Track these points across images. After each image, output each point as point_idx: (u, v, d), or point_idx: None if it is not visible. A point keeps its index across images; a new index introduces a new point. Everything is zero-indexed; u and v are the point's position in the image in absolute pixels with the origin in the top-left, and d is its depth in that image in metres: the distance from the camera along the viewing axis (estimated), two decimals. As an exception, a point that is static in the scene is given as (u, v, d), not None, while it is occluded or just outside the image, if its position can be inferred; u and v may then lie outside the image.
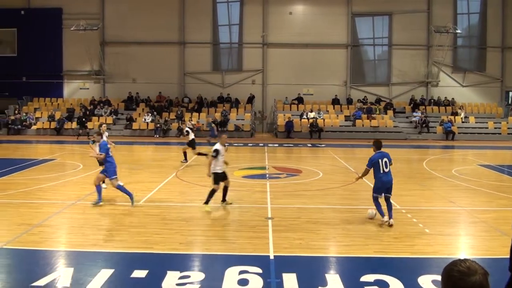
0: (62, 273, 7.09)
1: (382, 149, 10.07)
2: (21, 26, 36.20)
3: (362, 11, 35.76)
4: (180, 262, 7.68)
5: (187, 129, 19.48)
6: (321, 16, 35.45)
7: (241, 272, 7.05)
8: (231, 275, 6.98)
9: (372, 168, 9.86)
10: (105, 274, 7.01)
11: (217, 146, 11.22)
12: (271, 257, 7.81)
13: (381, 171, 9.76)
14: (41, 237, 9.00)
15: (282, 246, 8.34)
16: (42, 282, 6.72)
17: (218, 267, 7.34)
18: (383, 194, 9.89)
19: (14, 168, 17.13)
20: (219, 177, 11.12)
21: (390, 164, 9.93)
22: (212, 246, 8.49)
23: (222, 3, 36.19)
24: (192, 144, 18.95)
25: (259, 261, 7.54)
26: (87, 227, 9.59)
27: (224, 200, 11.51)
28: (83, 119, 31.73)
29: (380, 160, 9.75)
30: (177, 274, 7.01)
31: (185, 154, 19.20)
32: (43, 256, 8.04)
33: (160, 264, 7.53)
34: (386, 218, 9.70)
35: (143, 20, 35.02)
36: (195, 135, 19.61)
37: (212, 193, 11.05)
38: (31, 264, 7.65)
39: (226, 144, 11.76)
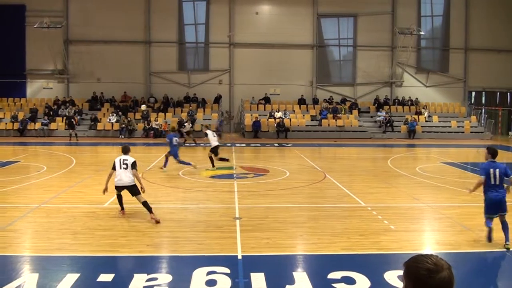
0: (27, 279, 6.95)
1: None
2: (-19, 23, 35.01)
3: (327, 12, 36.08)
4: (147, 265, 7.59)
5: (206, 132, 18.03)
6: (287, 17, 35.63)
7: (209, 273, 7.04)
8: (199, 276, 6.96)
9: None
10: (71, 278, 6.90)
11: None
12: (239, 257, 7.83)
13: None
14: (5, 242, 8.77)
15: (249, 246, 8.36)
16: (5, 289, 6.56)
17: (186, 269, 7.31)
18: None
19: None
20: None
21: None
22: (179, 247, 8.45)
23: (187, 2, 35.89)
24: (215, 150, 17.54)
25: (227, 261, 7.55)
26: (52, 231, 9.38)
27: None
28: (71, 120, 30.73)
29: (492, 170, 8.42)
30: (144, 276, 6.95)
31: (211, 159, 17.59)
32: (7, 261, 7.85)
33: (127, 267, 7.47)
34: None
35: (108, 18, 34.42)
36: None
37: None
38: (-7, 270, 7.45)
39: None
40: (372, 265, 7.62)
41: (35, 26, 32.79)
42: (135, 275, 6.99)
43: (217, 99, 35.32)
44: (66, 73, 35.47)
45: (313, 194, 13.41)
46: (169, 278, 6.96)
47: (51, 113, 32.92)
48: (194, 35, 36.32)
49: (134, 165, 10.55)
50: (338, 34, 36.79)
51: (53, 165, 18.38)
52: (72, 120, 30.34)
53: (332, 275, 6.99)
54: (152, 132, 31.09)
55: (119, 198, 10.72)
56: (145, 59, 35.59)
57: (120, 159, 10.69)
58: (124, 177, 10.48)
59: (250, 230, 9.37)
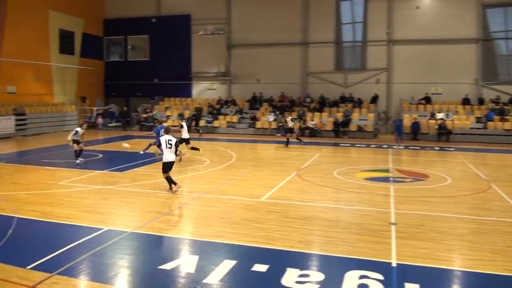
0: (187, 260, 7.58)
1: None
2: (152, 33, 39.42)
3: (494, 2, 32.72)
4: (299, 260, 7.72)
5: (182, 123, 19.79)
6: (449, 9, 33.12)
7: (361, 277, 6.91)
8: (351, 278, 6.87)
9: None
10: (228, 264, 7.34)
11: None
12: (393, 264, 7.53)
13: None
14: (168, 224, 9.74)
15: (405, 254, 8.00)
16: (168, 266, 7.29)
17: (338, 269, 7.26)
18: None
19: (147, 161, 18.47)
20: None
21: None
22: (331, 247, 8.42)
23: (345, 1, 35.60)
24: (186, 141, 19.34)
25: (380, 267, 7.33)
26: (212, 219, 10.07)
27: None
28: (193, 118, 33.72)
29: None
30: (297, 271, 7.08)
31: (192, 147, 19.70)
32: (170, 242, 8.70)
33: (280, 260, 7.65)
34: None
35: (267, 22, 35.76)
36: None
37: None
38: (158, 248, 8.33)
39: None
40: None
41: (199, 33, 35.91)
42: (288, 269, 7.15)
43: (374, 99, 34.49)
44: (229, 75, 37.79)
45: (476, 205, 12.35)
46: (321, 276, 6.98)
47: (215, 111, 35.30)
48: (351, 34, 35.88)
49: (177, 144, 12.55)
50: (506, 25, 33.17)
51: (215, 159, 19.62)
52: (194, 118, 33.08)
53: (492, 296, 6.38)
54: (307, 131, 31.51)
55: (169, 179, 12.47)
56: (302, 60, 36.20)
57: (165, 139, 12.37)
58: (168, 156, 12.31)
59: (406, 238, 8.97)
